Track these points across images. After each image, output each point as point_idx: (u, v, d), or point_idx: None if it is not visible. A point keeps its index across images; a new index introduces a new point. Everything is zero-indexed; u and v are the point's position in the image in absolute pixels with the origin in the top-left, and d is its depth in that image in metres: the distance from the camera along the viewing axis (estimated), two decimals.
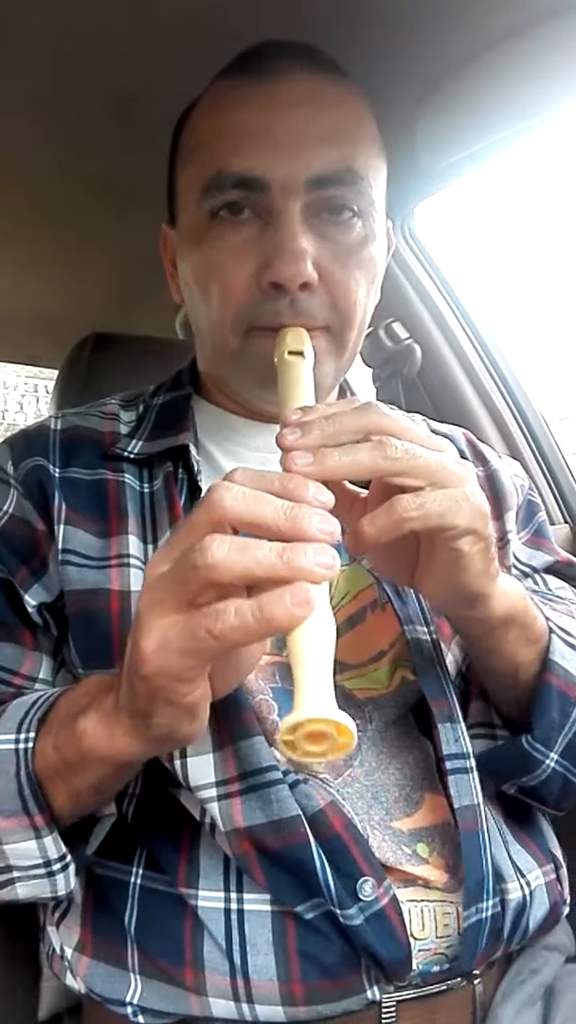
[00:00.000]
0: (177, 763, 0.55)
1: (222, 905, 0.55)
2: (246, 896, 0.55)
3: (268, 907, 0.55)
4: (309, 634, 0.39)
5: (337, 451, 0.46)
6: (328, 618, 0.41)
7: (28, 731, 0.52)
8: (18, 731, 0.53)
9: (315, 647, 0.39)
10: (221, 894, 0.55)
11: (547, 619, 0.61)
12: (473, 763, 0.59)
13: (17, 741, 0.52)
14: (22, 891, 0.53)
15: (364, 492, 0.53)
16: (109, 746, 0.47)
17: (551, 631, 0.60)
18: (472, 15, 0.71)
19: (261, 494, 0.41)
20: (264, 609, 0.38)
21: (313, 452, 0.45)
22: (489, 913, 0.56)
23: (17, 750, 0.52)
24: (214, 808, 0.55)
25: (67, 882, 0.53)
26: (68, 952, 0.59)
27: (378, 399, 1.06)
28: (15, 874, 0.53)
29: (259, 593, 0.39)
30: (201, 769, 0.55)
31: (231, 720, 0.55)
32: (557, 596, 0.75)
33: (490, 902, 0.56)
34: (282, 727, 0.38)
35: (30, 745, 0.52)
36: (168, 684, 0.42)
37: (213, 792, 0.55)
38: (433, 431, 0.79)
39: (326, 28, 0.68)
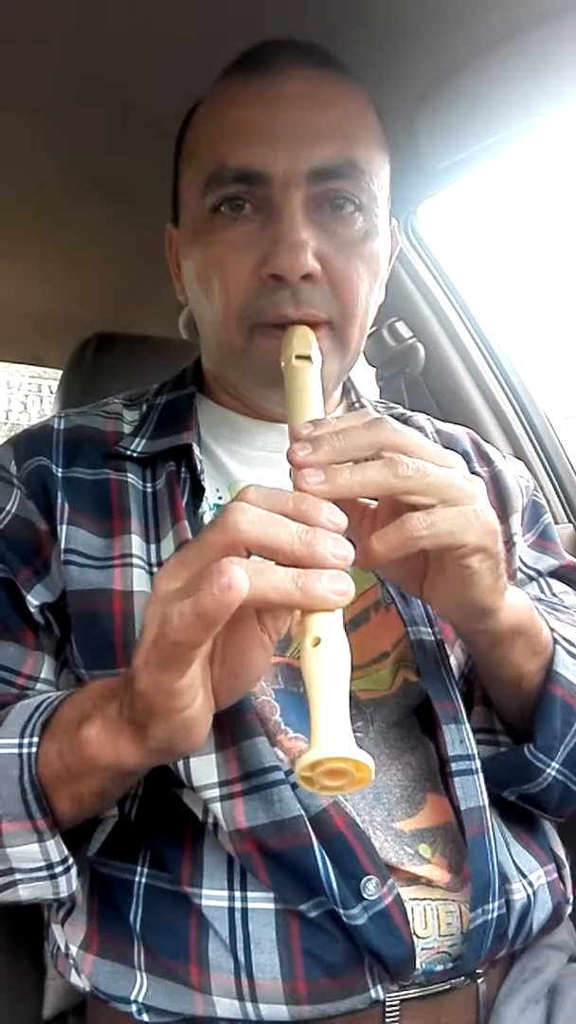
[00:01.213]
0: (180, 763, 0.55)
1: (226, 904, 0.55)
2: (250, 895, 0.55)
3: (272, 905, 0.55)
4: (325, 666, 0.39)
5: (348, 469, 0.45)
6: (343, 648, 0.40)
7: (32, 735, 0.52)
8: (22, 735, 0.53)
9: (331, 680, 0.39)
10: (225, 893, 0.55)
11: (552, 630, 0.61)
12: (478, 764, 0.59)
13: (21, 745, 0.52)
14: (24, 893, 0.54)
15: (374, 504, 0.53)
16: (112, 754, 0.47)
17: (556, 642, 0.61)
18: (472, 15, 0.71)
19: (276, 517, 0.40)
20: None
21: (324, 470, 0.45)
22: (495, 915, 0.56)
23: (21, 755, 0.52)
24: (217, 808, 0.55)
25: (69, 884, 0.54)
26: (73, 950, 0.59)
27: (381, 398, 1.07)
28: (17, 876, 0.53)
29: (266, 618, 0.39)
30: (204, 769, 0.55)
31: (233, 721, 0.55)
32: (561, 602, 0.75)
33: (495, 903, 0.56)
34: (300, 765, 0.38)
35: (34, 750, 0.52)
36: (163, 700, 0.42)
37: (216, 792, 0.55)
38: (438, 431, 0.79)
39: (326, 28, 0.68)
